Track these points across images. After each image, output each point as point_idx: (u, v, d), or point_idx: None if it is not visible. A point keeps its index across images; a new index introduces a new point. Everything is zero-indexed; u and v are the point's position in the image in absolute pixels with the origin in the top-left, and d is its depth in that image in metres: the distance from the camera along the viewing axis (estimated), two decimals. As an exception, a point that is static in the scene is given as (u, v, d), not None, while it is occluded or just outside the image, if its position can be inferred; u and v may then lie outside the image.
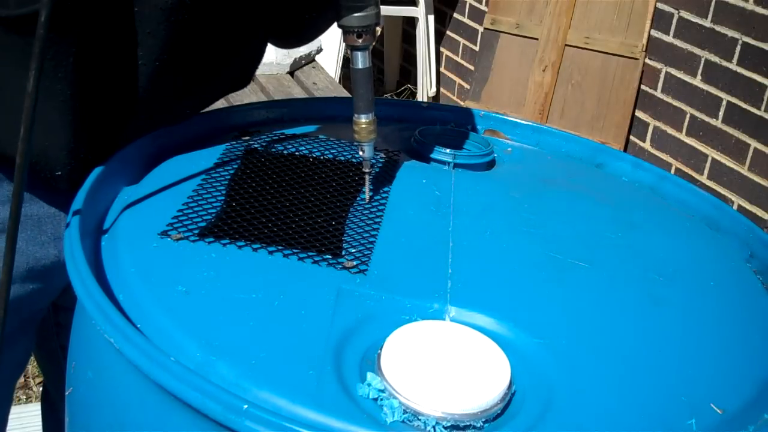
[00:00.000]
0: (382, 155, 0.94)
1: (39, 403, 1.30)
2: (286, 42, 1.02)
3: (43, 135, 0.79)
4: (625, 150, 2.94)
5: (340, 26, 0.80)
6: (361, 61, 0.81)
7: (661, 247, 0.84)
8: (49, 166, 0.81)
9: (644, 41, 2.86)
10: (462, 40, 3.70)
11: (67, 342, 1.03)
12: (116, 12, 0.77)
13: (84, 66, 0.77)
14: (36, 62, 0.60)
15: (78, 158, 0.81)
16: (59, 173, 0.81)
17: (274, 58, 3.08)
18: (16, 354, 0.95)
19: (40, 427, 1.27)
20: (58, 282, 0.92)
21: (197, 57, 0.85)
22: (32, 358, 1.20)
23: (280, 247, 0.73)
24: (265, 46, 0.98)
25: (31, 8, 0.71)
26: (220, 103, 0.98)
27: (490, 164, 0.97)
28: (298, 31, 0.98)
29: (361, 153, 0.84)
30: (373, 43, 0.82)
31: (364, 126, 0.82)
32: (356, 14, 0.79)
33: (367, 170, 0.84)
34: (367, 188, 0.84)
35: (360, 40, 0.80)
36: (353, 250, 0.74)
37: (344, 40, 0.81)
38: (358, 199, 0.84)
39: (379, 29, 4.25)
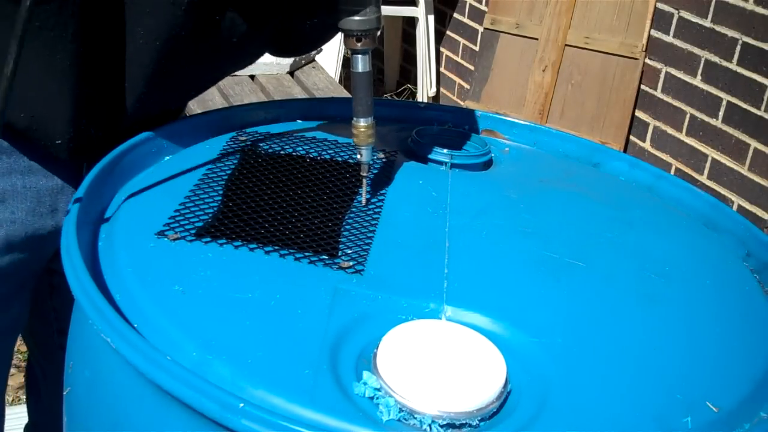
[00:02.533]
0: (381, 155, 0.94)
1: (16, 407, 1.30)
2: (282, 49, 1.01)
3: (43, 104, 0.80)
4: (625, 150, 2.94)
5: (340, 29, 0.80)
6: (361, 64, 0.81)
7: (658, 246, 0.84)
8: (48, 135, 0.82)
9: (644, 41, 2.86)
10: (462, 40, 3.70)
11: (59, 304, 1.06)
12: None
13: (84, 38, 0.78)
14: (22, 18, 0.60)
15: (78, 128, 0.82)
16: (59, 142, 0.83)
17: (274, 58, 3.08)
18: (11, 315, 0.97)
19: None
20: (52, 248, 0.94)
21: (200, 41, 0.86)
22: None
23: (276, 247, 0.73)
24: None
25: None
26: (220, 103, 0.99)
27: (487, 164, 0.97)
28: (295, 38, 0.98)
29: (359, 156, 0.83)
30: (374, 47, 0.81)
31: (363, 130, 0.82)
32: (356, 17, 0.79)
33: (364, 174, 0.83)
34: (364, 191, 0.84)
35: (360, 44, 0.80)
36: (349, 251, 0.75)
37: (344, 43, 0.81)
38: (355, 199, 0.84)
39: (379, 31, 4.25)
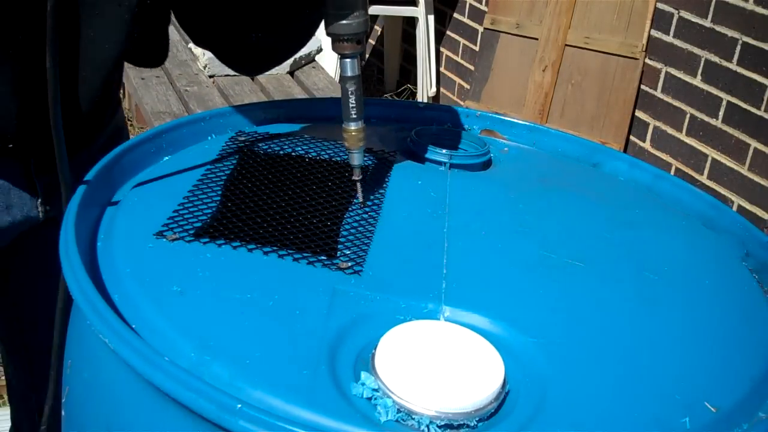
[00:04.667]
0: (377, 155, 0.94)
1: None
2: (240, 66, 1.01)
3: None
4: (625, 150, 2.94)
5: (328, 34, 0.80)
6: (350, 68, 0.81)
7: (657, 245, 0.84)
8: (2, 136, 0.84)
9: (644, 41, 2.86)
10: (462, 40, 3.70)
11: (13, 287, 1.05)
12: None
13: (29, 42, 0.79)
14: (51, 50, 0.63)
15: (24, 125, 0.84)
16: (11, 146, 0.85)
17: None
18: None
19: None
20: (7, 239, 0.96)
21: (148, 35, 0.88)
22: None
23: (275, 248, 0.73)
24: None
25: None
26: (220, 102, 0.99)
27: (487, 164, 0.97)
28: (248, 54, 0.98)
29: (350, 161, 0.83)
30: (362, 50, 0.81)
31: (353, 134, 0.82)
32: (344, 21, 0.78)
33: (357, 177, 0.83)
34: (359, 193, 0.84)
35: (348, 49, 0.80)
36: (348, 252, 0.75)
37: (333, 48, 0.81)
38: (353, 200, 0.84)
39: (379, 29, 4.26)
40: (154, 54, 0.96)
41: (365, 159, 0.88)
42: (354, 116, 0.82)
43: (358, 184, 0.83)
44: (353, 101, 0.81)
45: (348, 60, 0.80)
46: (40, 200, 0.94)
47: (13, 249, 1.00)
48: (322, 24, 0.86)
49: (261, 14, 0.91)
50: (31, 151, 0.87)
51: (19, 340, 1.12)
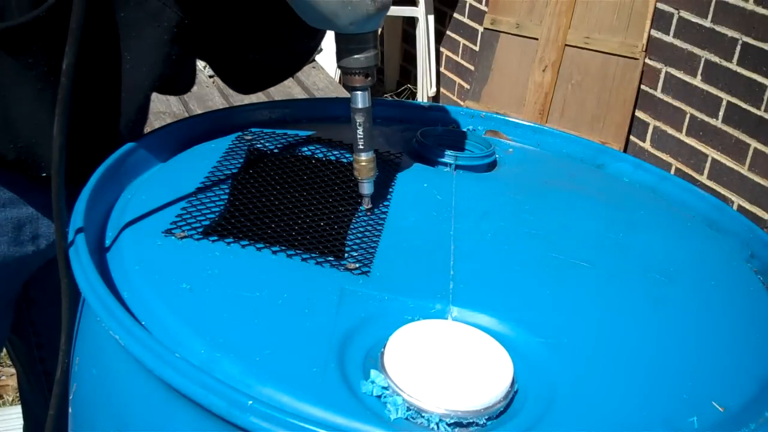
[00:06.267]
0: (383, 156, 0.94)
1: (19, 406, 1.31)
2: (237, 84, 1.01)
3: (33, 135, 0.81)
4: (625, 150, 2.94)
5: (339, 67, 0.80)
6: (361, 100, 0.81)
7: (662, 247, 0.84)
8: (36, 165, 0.83)
9: (644, 41, 2.86)
10: (462, 40, 3.70)
11: (37, 317, 1.07)
12: (101, 17, 0.79)
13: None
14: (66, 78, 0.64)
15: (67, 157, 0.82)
16: (45, 174, 0.83)
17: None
18: None
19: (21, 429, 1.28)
20: (35, 267, 0.95)
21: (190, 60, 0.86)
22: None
23: (283, 248, 0.74)
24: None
25: (30, 15, 0.74)
26: (220, 103, 0.99)
27: (492, 165, 0.97)
28: (246, 73, 0.98)
29: (361, 190, 0.84)
30: (373, 83, 0.81)
31: (364, 164, 0.83)
32: (356, 56, 0.78)
33: (367, 206, 0.83)
34: (367, 206, 0.84)
35: (359, 82, 0.80)
36: (355, 254, 0.75)
37: (344, 82, 0.81)
38: (360, 201, 0.84)
39: (379, 29, 4.26)
40: (184, 80, 0.95)
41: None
42: (364, 147, 0.82)
43: (366, 200, 0.83)
44: (361, 132, 0.82)
45: (359, 93, 0.81)
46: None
47: (38, 276, 0.99)
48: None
49: (260, 36, 0.91)
50: (71, 182, 0.86)
51: (39, 368, 1.12)
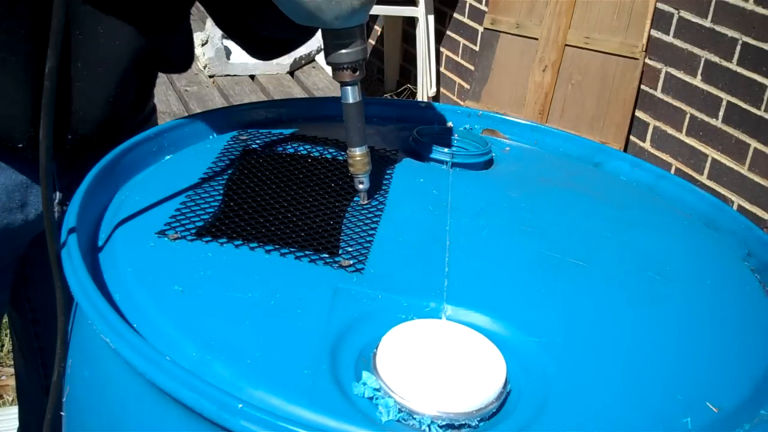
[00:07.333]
0: (379, 154, 0.94)
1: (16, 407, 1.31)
2: (257, 54, 1.02)
3: (2, 106, 0.82)
4: (625, 150, 2.94)
5: (328, 63, 0.81)
6: (351, 95, 0.81)
7: (659, 245, 0.84)
8: (11, 137, 0.84)
9: (644, 41, 2.86)
10: (462, 40, 3.70)
11: (33, 294, 1.09)
12: None
13: (38, 38, 0.79)
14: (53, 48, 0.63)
15: (38, 128, 0.83)
16: (21, 145, 0.84)
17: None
18: None
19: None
20: (25, 239, 0.96)
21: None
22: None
23: (277, 246, 0.73)
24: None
25: None
26: (220, 102, 0.99)
27: (488, 163, 0.97)
28: (261, 45, 0.99)
29: (358, 186, 0.83)
30: (363, 77, 0.81)
31: (359, 158, 0.82)
32: (344, 51, 0.79)
33: (364, 202, 0.83)
34: (363, 201, 0.83)
35: (348, 76, 0.80)
36: (350, 249, 0.75)
37: (334, 77, 0.81)
38: (355, 199, 0.84)
39: (379, 29, 4.26)
40: (176, 56, 0.95)
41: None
42: (359, 141, 0.82)
43: (363, 194, 0.83)
44: (355, 127, 0.82)
45: (349, 87, 0.81)
46: (57, 200, 0.94)
47: (33, 255, 1.01)
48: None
49: (263, 17, 0.92)
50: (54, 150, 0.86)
51: (35, 344, 1.14)
